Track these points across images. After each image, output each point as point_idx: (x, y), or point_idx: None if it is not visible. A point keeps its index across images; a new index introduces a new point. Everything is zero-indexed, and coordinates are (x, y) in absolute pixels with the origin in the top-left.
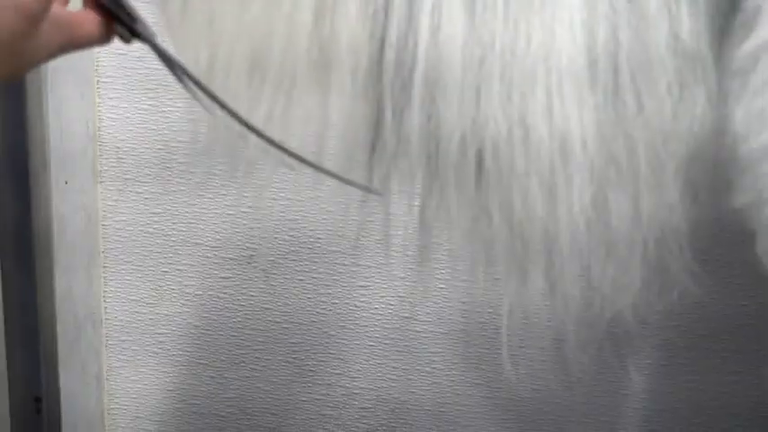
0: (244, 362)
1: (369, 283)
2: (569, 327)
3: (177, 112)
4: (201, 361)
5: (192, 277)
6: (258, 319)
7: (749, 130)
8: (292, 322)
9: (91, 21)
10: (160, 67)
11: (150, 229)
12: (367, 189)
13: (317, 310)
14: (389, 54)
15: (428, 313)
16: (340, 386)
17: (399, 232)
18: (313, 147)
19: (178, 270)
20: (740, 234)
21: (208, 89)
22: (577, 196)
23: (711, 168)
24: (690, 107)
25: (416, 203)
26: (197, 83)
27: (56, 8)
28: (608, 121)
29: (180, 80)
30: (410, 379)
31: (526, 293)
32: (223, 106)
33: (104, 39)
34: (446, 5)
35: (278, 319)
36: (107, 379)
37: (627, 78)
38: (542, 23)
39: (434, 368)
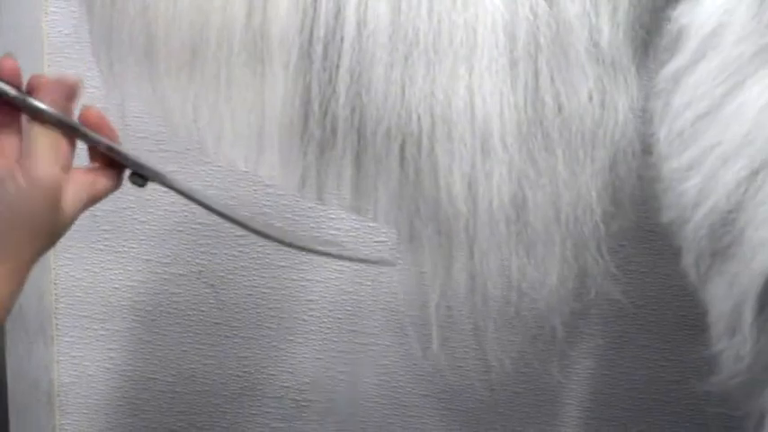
0: (194, 376)
1: (316, 297)
2: (489, 324)
3: None
4: (152, 376)
5: (143, 293)
6: (208, 333)
7: (671, 150)
8: (242, 336)
9: (105, 175)
10: None
11: (101, 246)
12: (380, 261)
13: (266, 324)
14: (318, 48)
15: (375, 326)
16: (289, 399)
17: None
18: (252, 138)
19: (128, 286)
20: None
21: (221, 210)
22: (497, 193)
23: (634, 176)
24: (611, 114)
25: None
26: (210, 206)
27: (73, 172)
28: (527, 120)
29: (198, 203)
30: (359, 390)
31: (451, 288)
32: (240, 223)
33: (118, 186)
34: (372, 1)
35: (227, 334)
36: (58, 395)
37: (547, 80)
38: (465, 23)
39: (382, 380)
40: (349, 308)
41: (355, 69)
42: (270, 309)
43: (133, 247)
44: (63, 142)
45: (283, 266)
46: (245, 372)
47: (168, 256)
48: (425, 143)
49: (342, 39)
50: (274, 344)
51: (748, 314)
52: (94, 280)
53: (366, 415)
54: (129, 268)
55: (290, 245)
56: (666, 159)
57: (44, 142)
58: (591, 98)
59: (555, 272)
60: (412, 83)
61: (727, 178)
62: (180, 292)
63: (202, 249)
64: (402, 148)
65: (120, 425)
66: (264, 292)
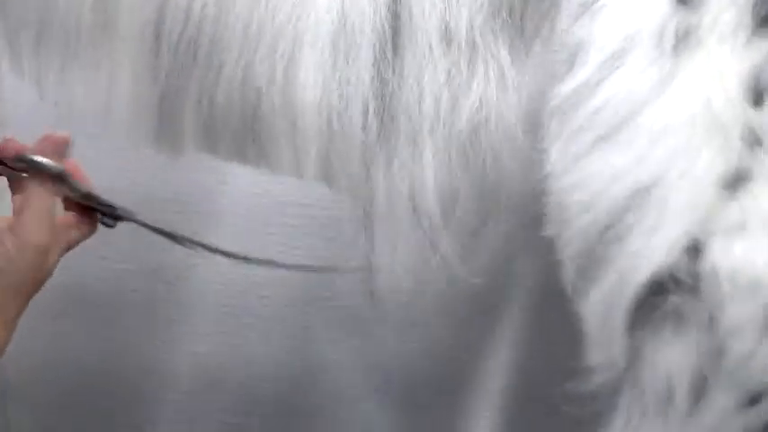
0: (151, 372)
1: (270, 293)
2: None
3: None
4: (108, 372)
5: (98, 290)
6: (164, 330)
7: (563, 168)
8: (198, 333)
9: (82, 222)
10: None
11: None
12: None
13: (223, 320)
14: (170, 24)
15: (330, 322)
16: (247, 394)
17: None
18: (102, 111)
19: (83, 283)
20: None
21: (196, 240)
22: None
23: (506, 156)
24: (466, 94)
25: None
26: (186, 238)
27: (66, 223)
28: (376, 96)
29: (172, 240)
30: (317, 385)
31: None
32: (215, 250)
33: (92, 232)
34: None
35: (184, 330)
36: (11, 391)
37: (382, 56)
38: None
39: (337, 375)
40: (303, 304)
41: (209, 43)
42: (225, 306)
43: (88, 244)
44: (56, 205)
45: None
46: (201, 368)
47: (123, 252)
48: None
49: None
50: (232, 340)
51: (620, 325)
52: None
53: (323, 410)
54: (84, 265)
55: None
56: (557, 177)
57: (40, 208)
58: (447, 82)
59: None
60: (261, 58)
61: (612, 195)
62: (136, 289)
63: (158, 246)
64: (251, 120)
65: (76, 421)
66: (219, 289)
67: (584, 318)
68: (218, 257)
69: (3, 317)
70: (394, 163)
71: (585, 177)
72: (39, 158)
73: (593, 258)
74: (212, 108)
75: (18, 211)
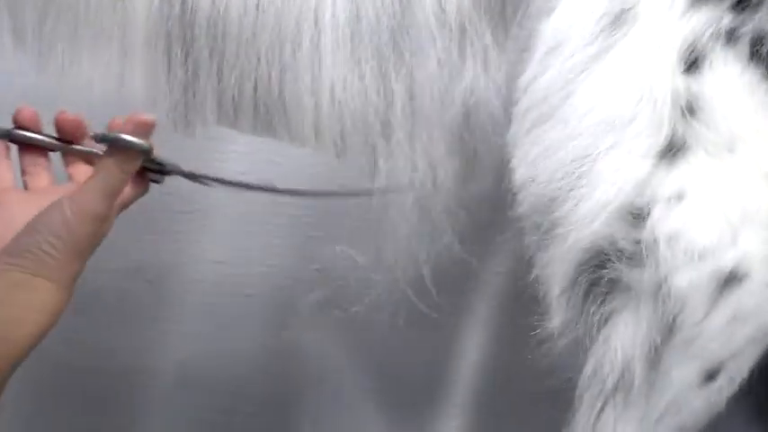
0: (132, 370)
1: (254, 292)
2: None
3: None
4: (88, 370)
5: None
6: (146, 328)
7: (514, 149)
8: (180, 332)
9: (133, 182)
10: None
11: None
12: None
13: (204, 319)
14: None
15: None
16: (227, 392)
17: None
18: (115, 85)
19: None
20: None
21: (227, 180)
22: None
23: (491, 138)
24: (458, 77)
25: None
26: (217, 179)
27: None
28: (372, 76)
29: (206, 184)
30: (296, 384)
31: None
32: (247, 186)
33: (145, 191)
34: None
35: (165, 329)
36: None
37: (392, 38)
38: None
39: (322, 375)
40: (285, 302)
41: (211, 16)
42: (208, 304)
43: None
44: (125, 182)
45: (221, 262)
46: (185, 366)
47: (106, 250)
48: (275, 95)
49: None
50: (212, 339)
51: (570, 291)
52: None
53: (302, 408)
54: None
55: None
56: (511, 157)
57: (109, 182)
58: (439, 62)
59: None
60: (261, 37)
61: (550, 168)
62: (119, 288)
63: (140, 245)
64: (255, 98)
65: (57, 420)
66: (202, 288)
67: (542, 283)
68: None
69: (62, 280)
70: (398, 141)
71: (527, 153)
72: (127, 137)
73: (541, 228)
74: (241, 83)
75: (84, 182)
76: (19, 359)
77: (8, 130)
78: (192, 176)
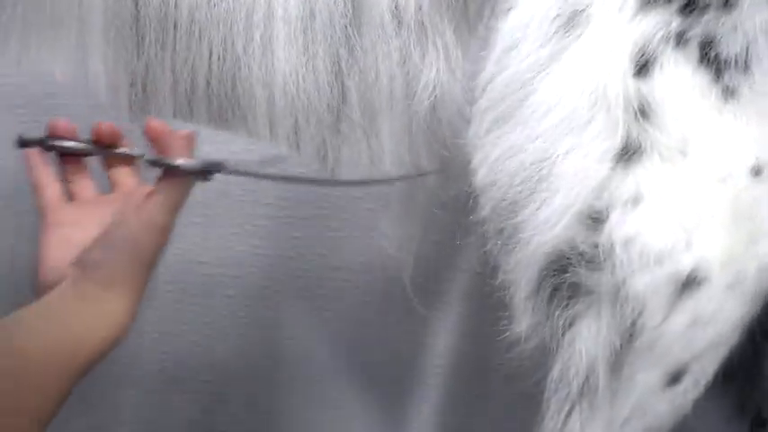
0: (111, 371)
1: (235, 294)
2: None
3: None
4: None
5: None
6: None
7: (474, 149)
8: (160, 331)
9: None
10: None
11: None
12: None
13: (186, 318)
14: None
15: (295, 314)
16: (210, 393)
17: None
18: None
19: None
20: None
21: (271, 174)
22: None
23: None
24: (417, 74)
25: None
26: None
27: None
28: (325, 70)
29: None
30: (279, 385)
31: None
32: (283, 178)
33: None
34: None
35: (146, 329)
36: None
37: (344, 35)
38: None
39: (305, 373)
40: (267, 303)
41: (162, 9)
42: (190, 304)
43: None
44: (188, 194)
45: (203, 262)
46: (166, 366)
47: None
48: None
49: None
50: (193, 339)
51: (535, 296)
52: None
53: (285, 408)
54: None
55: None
56: (472, 157)
57: (172, 198)
58: (397, 59)
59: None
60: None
61: (509, 171)
62: None
63: None
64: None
65: None
66: (183, 288)
67: (508, 288)
68: None
69: (131, 292)
70: (354, 135)
71: (488, 155)
72: (181, 161)
73: (504, 233)
74: (193, 76)
75: (148, 195)
76: (83, 372)
77: (44, 139)
78: (237, 172)
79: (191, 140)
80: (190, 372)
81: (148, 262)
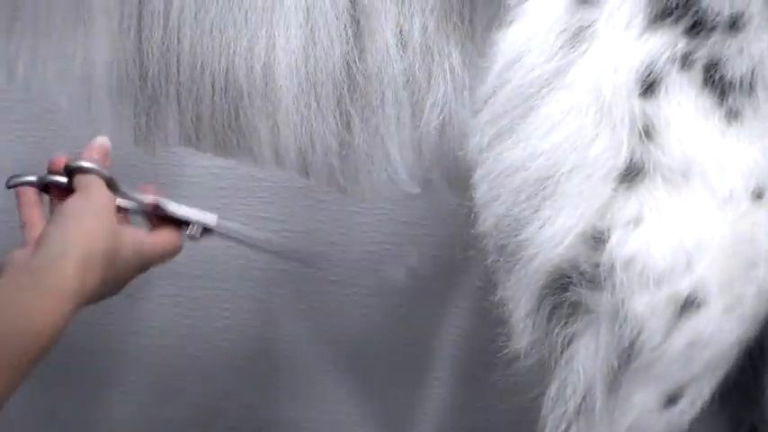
0: (110, 383)
1: (230, 305)
2: None
3: None
4: (65, 384)
5: None
6: (124, 342)
7: (474, 163)
8: (158, 345)
9: (170, 238)
10: None
11: None
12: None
13: (181, 332)
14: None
15: (291, 333)
16: (205, 407)
17: None
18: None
19: None
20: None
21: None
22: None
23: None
24: (424, 95)
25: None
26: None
27: (143, 236)
28: (326, 98)
29: (255, 248)
30: (276, 397)
31: None
32: (283, 255)
33: (179, 247)
34: None
35: (144, 342)
36: None
37: (345, 62)
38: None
39: (299, 385)
40: (266, 318)
41: (164, 43)
42: (186, 318)
43: None
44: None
45: (196, 275)
46: (161, 380)
47: None
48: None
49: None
50: (192, 354)
51: (535, 314)
52: None
53: (284, 423)
54: None
55: None
56: (473, 170)
57: (90, 180)
58: (407, 81)
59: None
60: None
61: (513, 188)
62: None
63: None
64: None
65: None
66: (179, 302)
67: (507, 305)
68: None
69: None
70: (362, 160)
71: (489, 170)
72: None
73: (506, 250)
74: (198, 107)
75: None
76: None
77: (39, 179)
78: (239, 240)
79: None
80: (186, 384)
81: (128, 274)
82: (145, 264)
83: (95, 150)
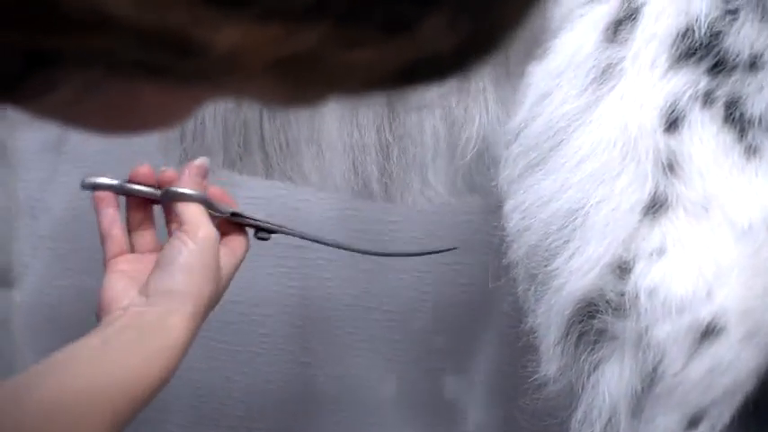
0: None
1: (267, 330)
2: None
3: None
4: None
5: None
6: None
7: (506, 193)
8: (196, 368)
9: (241, 243)
10: None
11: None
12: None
13: (219, 356)
14: None
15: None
16: (243, 427)
17: None
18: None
19: None
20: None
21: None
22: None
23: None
24: (461, 128)
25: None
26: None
27: (228, 254)
28: (367, 127)
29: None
30: (313, 422)
31: None
32: (331, 244)
33: (248, 248)
34: None
35: (182, 365)
36: None
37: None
38: None
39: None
40: (300, 341)
41: None
42: (221, 342)
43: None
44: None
45: (236, 302)
46: (197, 403)
47: None
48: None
49: None
50: (227, 377)
51: (563, 341)
52: None
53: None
54: (64, 287)
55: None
56: (504, 201)
57: (196, 212)
58: (444, 117)
59: None
60: None
61: (543, 219)
62: None
63: None
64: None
65: None
66: (216, 326)
67: (537, 332)
68: None
69: (197, 304)
70: (401, 187)
71: (520, 202)
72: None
73: (536, 279)
74: (245, 131)
75: (185, 225)
76: (133, 412)
77: (119, 185)
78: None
79: (202, 170)
80: (223, 407)
81: (205, 275)
82: (231, 277)
83: (195, 172)
